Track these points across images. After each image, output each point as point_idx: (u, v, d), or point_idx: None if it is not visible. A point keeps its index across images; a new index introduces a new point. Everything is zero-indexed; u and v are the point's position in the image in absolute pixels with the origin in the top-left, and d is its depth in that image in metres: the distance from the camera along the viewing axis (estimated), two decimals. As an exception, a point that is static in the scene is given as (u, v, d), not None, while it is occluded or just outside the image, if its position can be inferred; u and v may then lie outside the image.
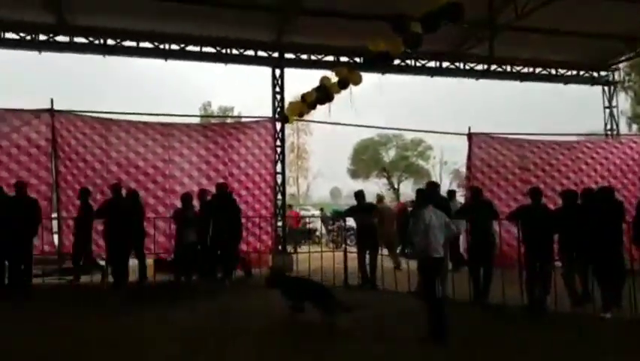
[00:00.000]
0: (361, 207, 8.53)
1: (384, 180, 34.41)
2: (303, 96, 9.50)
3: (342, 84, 8.41)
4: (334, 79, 8.62)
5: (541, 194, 7.05)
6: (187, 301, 7.14)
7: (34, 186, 9.05)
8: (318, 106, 9.37)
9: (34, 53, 10.20)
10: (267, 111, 10.89)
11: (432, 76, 12.14)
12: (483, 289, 7.10)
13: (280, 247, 10.43)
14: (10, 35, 9.77)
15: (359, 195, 8.62)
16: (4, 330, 5.60)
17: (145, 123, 9.92)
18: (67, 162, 9.39)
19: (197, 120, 18.93)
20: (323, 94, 8.91)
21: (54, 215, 9.36)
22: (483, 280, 7.13)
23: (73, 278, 8.72)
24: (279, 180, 10.68)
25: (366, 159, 33.43)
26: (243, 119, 10.82)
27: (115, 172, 9.43)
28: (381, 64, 7.97)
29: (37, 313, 6.42)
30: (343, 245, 11.55)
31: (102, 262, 9.54)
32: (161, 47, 10.36)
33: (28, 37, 9.82)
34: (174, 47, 10.41)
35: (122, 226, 8.23)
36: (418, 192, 6.06)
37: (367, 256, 8.29)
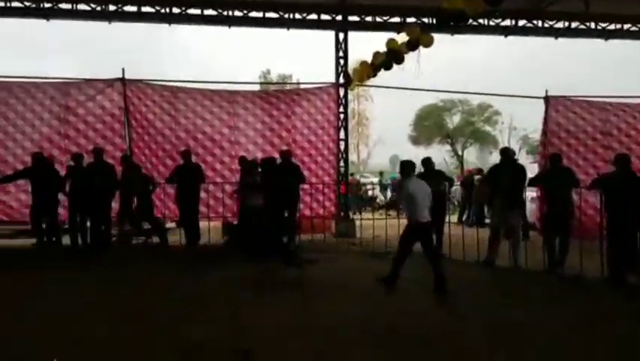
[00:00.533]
0: (430, 173, 8.28)
1: (448, 147, 33.27)
2: (370, 60, 9.19)
3: (412, 46, 8.03)
4: (402, 40, 8.25)
5: (629, 161, 6.47)
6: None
7: (110, 153, 9.52)
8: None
9: (104, 24, 10.57)
10: (325, 78, 10.74)
11: (506, 36, 11.36)
12: (559, 260, 6.75)
13: (342, 214, 10.40)
14: (82, 7, 10.13)
15: (427, 161, 8.35)
16: (96, 286, 6.01)
17: (211, 91, 10.08)
18: (139, 129, 9.77)
19: (257, 88, 19.14)
20: (391, 57, 8.56)
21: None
22: (559, 250, 6.78)
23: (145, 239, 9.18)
24: (342, 147, 10.57)
25: (428, 125, 32.28)
26: (307, 86, 10.65)
27: (183, 138, 9.72)
28: (456, 24, 7.48)
29: (121, 271, 6.83)
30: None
31: (172, 225, 10.09)
32: (224, 13, 10.36)
33: (99, 8, 10.14)
34: (237, 13, 10.37)
35: (192, 190, 8.56)
36: (402, 164, 6.32)
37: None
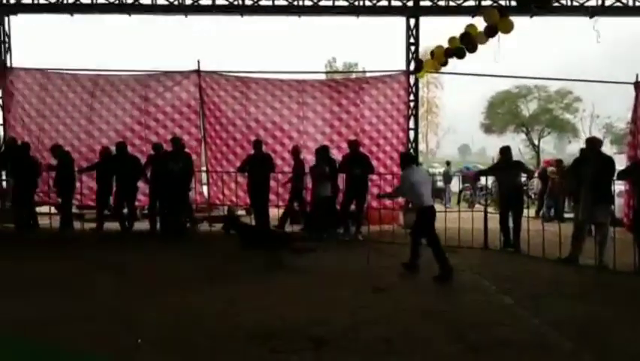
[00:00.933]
0: (508, 164, 7.88)
1: (523, 136, 31.57)
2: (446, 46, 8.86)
3: (490, 31, 7.62)
4: (481, 27, 7.85)
5: None
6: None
7: (186, 142, 9.93)
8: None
9: (181, 17, 10.96)
10: (391, 66, 10.51)
11: (591, 17, 10.49)
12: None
13: (411, 205, 10.15)
14: (161, 2, 10.55)
15: (505, 151, 7.94)
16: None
17: (281, 80, 10.18)
18: (212, 119, 10.11)
19: (322, 77, 19.18)
20: (467, 43, 8.18)
21: (203, 168, 10.23)
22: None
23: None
24: (412, 136, 10.33)
25: (502, 112, 30.85)
26: (376, 74, 10.45)
27: (253, 128, 9.93)
28: (538, 5, 6.98)
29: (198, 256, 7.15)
30: (479, 204, 10.99)
31: (242, 212, 10.40)
32: (296, 3, 10.39)
33: (176, 2, 10.52)
34: (308, 2, 10.37)
35: (262, 178, 8.75)
36: (402, 156, 6.96)
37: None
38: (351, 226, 8.74)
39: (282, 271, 6.27)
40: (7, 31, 10.59)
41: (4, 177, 10.17)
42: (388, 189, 9.40)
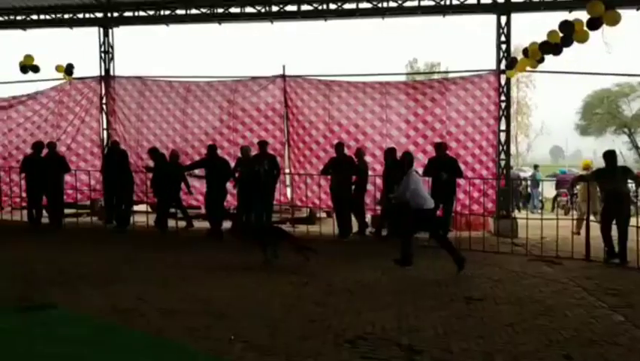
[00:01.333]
0: (613, 169, 7.21)
1: (624, 138, 28.87)
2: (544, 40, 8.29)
3: (593, 25, 7.02)
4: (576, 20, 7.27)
5: None
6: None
7: (271, 145, 10.20)
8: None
9: (267, 24, 11.28)
10: (477, 65, 10.01)
11: None
12: None
13: (504, 212, 9.63)
14: (248, 10, 10.92)
15: (610, 155, 7.25)
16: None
17: (364, 83, 10.11)
18: (295, 123, 10.28)
19: (403, 78, 18.84)
20: (567, 37, 7.59)
21: (287, 170, 10.42)
22: None
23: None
24: (502, 139, 9.79)
25: (601, 112, 28.47)
26: (463, 74, 10.04)
27: (336, 132, 9.93)
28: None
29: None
30: (576, 212, 10.18)
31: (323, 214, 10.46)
32: (379, 5, 10.30)
33: (263, 10, 10.84)
34: (392, 4, 10.23)
35: (345, 182, 8.74)
36: (407, 156, 7.24)
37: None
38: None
39: (371, 275, 6.18)
40: (111, 43, 11.51)
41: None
42: (476, 195, 9.04)
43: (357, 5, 10.41)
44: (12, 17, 11.47)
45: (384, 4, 10.25)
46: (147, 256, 7.28)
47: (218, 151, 9.70)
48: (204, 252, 7.65)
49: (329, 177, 9.18)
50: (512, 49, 10.18)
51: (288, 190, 10.40)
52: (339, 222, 9.00)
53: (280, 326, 4.25)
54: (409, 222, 6.65)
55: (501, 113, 9.75)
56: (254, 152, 9.37)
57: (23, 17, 11.45)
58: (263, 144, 9.30)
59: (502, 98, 9.77)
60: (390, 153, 8.82)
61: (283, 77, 10.38)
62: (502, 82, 9.75)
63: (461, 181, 8.75)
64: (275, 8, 10.71)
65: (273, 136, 10.37)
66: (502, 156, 9.75)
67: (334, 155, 9.14)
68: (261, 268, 6.47)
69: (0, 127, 11.31)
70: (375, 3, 10.28)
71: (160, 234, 9.27)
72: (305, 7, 10.63)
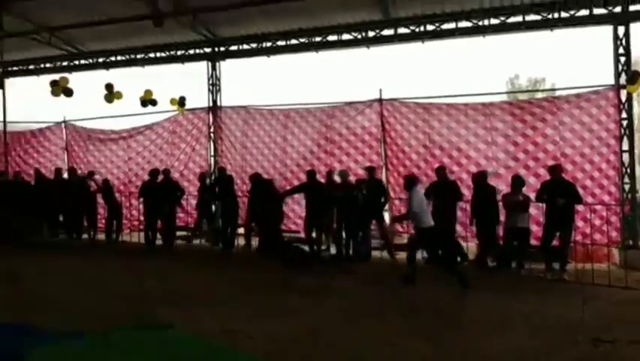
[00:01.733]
0: None
1: None
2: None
3: None
4: None
5: None
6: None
7: (352, 171, 10.18)
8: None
9: (362, 50, 11.36)
10: (589, 80, 9.20)
11: None
12: None
13: (630, 241, 8.65)
14: (345, 37, 11.10)
15: None
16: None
17: (465, 105, 9.76)
18: (394, 147, 10.16)
19: (504, 96, 17.97)
20: None
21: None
22: None
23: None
24: (625, 160, 8.88)
25: None
26: (576, 91, 9.31)
27: (438, 156, 9.66)
28: None
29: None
30: None
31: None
32: (480, 23, 9.96)
33: (359, 36, 10.96)
34: (494, 21, 9.84)
35: (448, 206, 8.45)
36: (406, 179, 7.55)
37: None
38: (553, 264, 7.77)
39: (484, 311, 5.82)
40: (218, 75, 12.28)
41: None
42: (598, 223, 8.23)
43: (457, 24, 10.17)
44: (132, 56, 12.71)
45: (486, 22, 9.91)
46: (254, 277, 7.48)
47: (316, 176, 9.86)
48: (312, 277, 7.60)
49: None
50: (632, 61, 9.31)
51: (386, 215, 10.23)
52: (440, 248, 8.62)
53: None
54: (414, 240, 7.18)
55: (622, 132, 8.88)
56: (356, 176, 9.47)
57: (142, 55, 12.63)
58: (370, 170, 9.35)
59: (624, 115, 8.91)
60: (479, 176, 8.46)
61: (380, 100, 10.38)
62: (623, 98, 8.91)
63: (580, 207, 8.01)
64: (371, 34, 10.80)
65: (370, 160, 10.35)
66: (626, 179, 8.84)
67: (435, 179, 8.88)
68: (380, 299, 6.35)
69: (121, 156, 12.51)
70: (475, 21, 9.97)
71: (263, 257, 9.54)
72: (402, 31, 10.60)
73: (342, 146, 10.64)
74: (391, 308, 5.82)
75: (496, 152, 9.31)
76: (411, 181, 7.24)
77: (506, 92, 23.25)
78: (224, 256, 9.92)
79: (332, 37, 11.08)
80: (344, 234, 9.30)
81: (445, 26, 10.24)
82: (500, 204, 8.24)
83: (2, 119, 10.96)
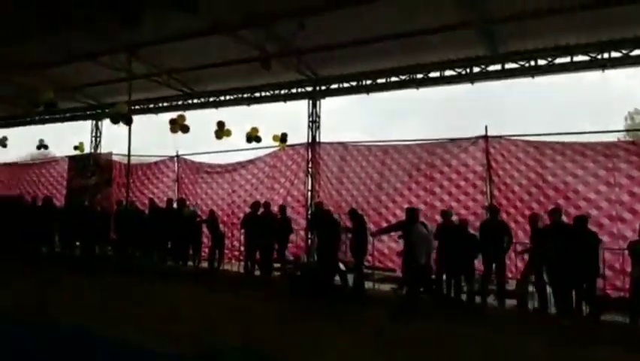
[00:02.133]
0: None
1: None
2: None
3: None
4: None
5: None
6: None
7: (472, 209, 9.78)
8: None
9: (466, 86, 11.09)
10: None
11: None
12: None
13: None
14: (448, 72, 10.92)
15: None
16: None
17: (583, 144, 9.04)
18: (502, 186, 9.64)
19: (622, 134, 16.56)
20: None
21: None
22: None
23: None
24: None
25: None
26: None
27: (552, 197, 9.00)
28: None
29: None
30: None
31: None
32: (598, 57, 9.33)
33: (463, 72, 10.72)
34: (615, 54, 9.16)
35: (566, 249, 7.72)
36: (408, 211, 8.09)
37: None
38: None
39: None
40: (318, 112, 12.61)
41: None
42: None
43: (572, 59, 9.60)
44: (239, 96, 13.50)
45: (605, 55, 9.26)
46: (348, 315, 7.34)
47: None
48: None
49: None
50: None
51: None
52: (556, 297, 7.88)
53: None
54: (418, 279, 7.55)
55: None
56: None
57: (248, 95, 13.37)
58: (492, 210, 8.91)
59: None
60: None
61: (485, 137, 9.97)
62: None
63: None
64: (476, 69, 10.53)
65: (474, 200, 9.92)
66: None
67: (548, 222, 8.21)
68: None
69: (226, 188, 13.16)
70: (593, 55, 9.35)
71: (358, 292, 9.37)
72: (509, 66, 10.23)
73: (443, 184, 10.33)
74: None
75: (620, 194, 8.47)
76: (413, 214, 7.93)
77: (625, 130, 21.19)
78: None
79: (434, 74, 10.98)
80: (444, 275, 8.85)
81: (559, 60, 9.72)
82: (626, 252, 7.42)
83: (128, 153, 12.00)
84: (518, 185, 9.41)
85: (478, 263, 8.73)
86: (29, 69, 12.50)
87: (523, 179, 9.38)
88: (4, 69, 12.37)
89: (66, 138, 17.18)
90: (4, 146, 16.06)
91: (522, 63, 10.03)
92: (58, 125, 17.16)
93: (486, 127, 9.99)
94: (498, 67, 10.33)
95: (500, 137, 9.94)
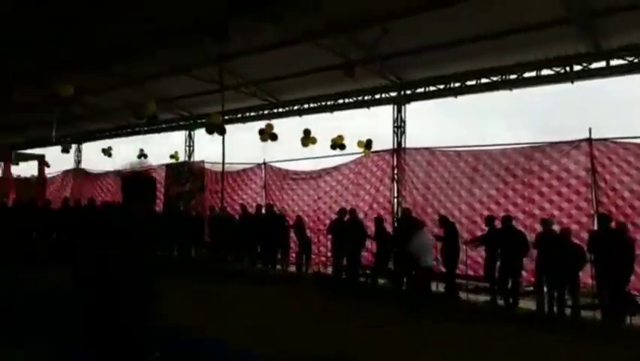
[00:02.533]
0: None
1: None
2: None
3: None
4: None
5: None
6: None
7: (575, 217, 9.11)
8: None
9: (566, 85, 10.35)
10: None
11: None
12: None
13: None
14: (545, 72, 10.28)
15: None
16: None
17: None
18: (610, 192, 8.89)
19: None
20: None
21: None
22: None
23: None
24: None
25: None
26: None
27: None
28: None
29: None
30: None
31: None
32: None
33: (562, 71, 10.04)
34: None
35: None
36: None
37: None
38: None
39: None
40: (403, 117, 12.42)
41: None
42: None
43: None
44: (323, 103, 13.64)
45: None
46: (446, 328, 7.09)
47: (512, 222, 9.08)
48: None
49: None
50: None
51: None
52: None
53: None
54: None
55: None
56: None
57: (332, 102, 13.48)
58: (605, 219, 8.15)
59: None
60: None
61: (589, 140, 9.25)
62: None
63: None
64: (577, 67, 9.84)
65: (578, 207, 9.23)
66: None
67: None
68: None
69: (311, 195, 13.33)
70: None
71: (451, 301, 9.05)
72: (615, 62, 9.45)
73: (542, 191, 9.71)
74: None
75: None
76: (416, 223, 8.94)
77: None
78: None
79: (529, 74, 10.40)
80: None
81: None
82: None
83: (222, 160, 12.55)
84: (629, 191, 8.62)
85: (584, 275, 8.11)
86: (132, 84, 13.54)
87: (634, 184, 8.59)
88: (113, 85, 13.52)
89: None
90: (110, 155, 17.48)
91: (630, 59, 9.21)
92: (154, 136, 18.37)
93: (590, 129, 9.26)
94: (602, 64, 9.57)
95: (606, 139, 9.17)
